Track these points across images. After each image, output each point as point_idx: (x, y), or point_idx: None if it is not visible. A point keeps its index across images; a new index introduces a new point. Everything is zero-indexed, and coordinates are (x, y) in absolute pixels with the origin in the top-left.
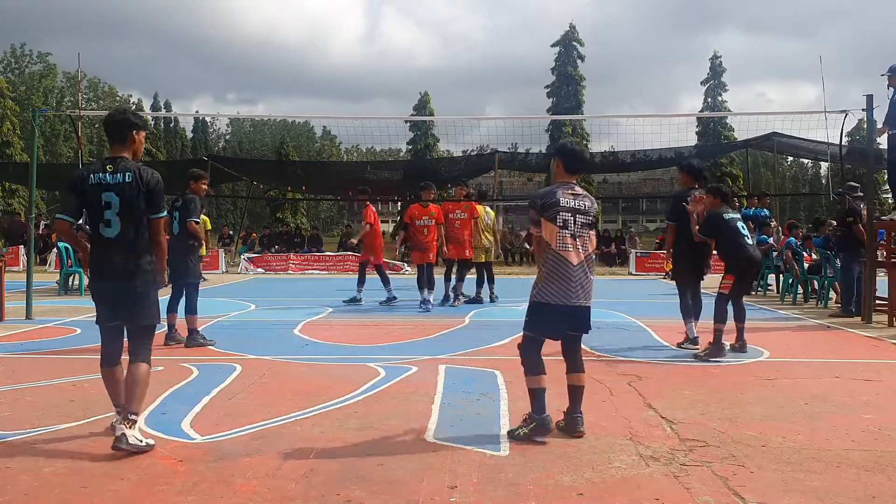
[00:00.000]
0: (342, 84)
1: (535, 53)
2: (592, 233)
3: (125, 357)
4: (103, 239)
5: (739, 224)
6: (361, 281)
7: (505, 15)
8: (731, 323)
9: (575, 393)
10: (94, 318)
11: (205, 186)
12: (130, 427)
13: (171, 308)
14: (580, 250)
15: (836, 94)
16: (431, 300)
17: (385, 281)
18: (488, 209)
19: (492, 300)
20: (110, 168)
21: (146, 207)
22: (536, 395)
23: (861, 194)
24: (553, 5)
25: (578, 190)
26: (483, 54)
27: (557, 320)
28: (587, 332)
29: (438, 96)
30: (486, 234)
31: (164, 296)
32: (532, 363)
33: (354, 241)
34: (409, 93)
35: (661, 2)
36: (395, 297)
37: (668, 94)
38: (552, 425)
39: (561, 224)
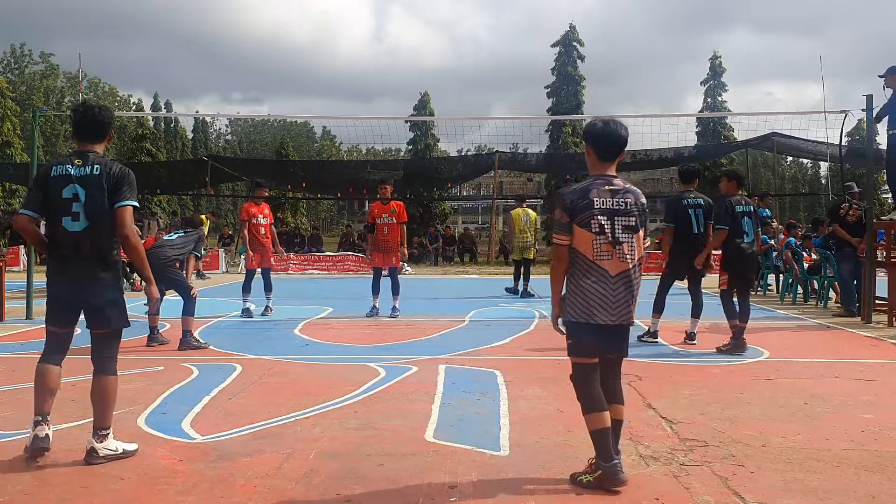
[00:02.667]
0: (348, 84)
1: (542, 53)
2: (640, 234)
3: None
4: (67, 233)
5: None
6: (268, 287)
7: (512, 14)
8: (724, 323)
9: (611, 427)
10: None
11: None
12: (101, 441)
13: (152, 311)
14: (622, 259)
15: (845, 93)
16: (398, 305)
17: (267, 287)
18: (529, 211)
19: (525, 294)
20: (78, 162)
21: (112, 201)
22: (599, 438)
23: (857, 190)
24: (562, 5)
25: (618, 183)
26: (491, 54)
27: (598, 339)
28: (625, 356)
29: (446, 96)
30: (526, 234)
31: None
32: (587, 398)
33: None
34: (415, 93)
35: (671, 1)
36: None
37: (676, 94)
38: (623, 474)
39: (597, 230)
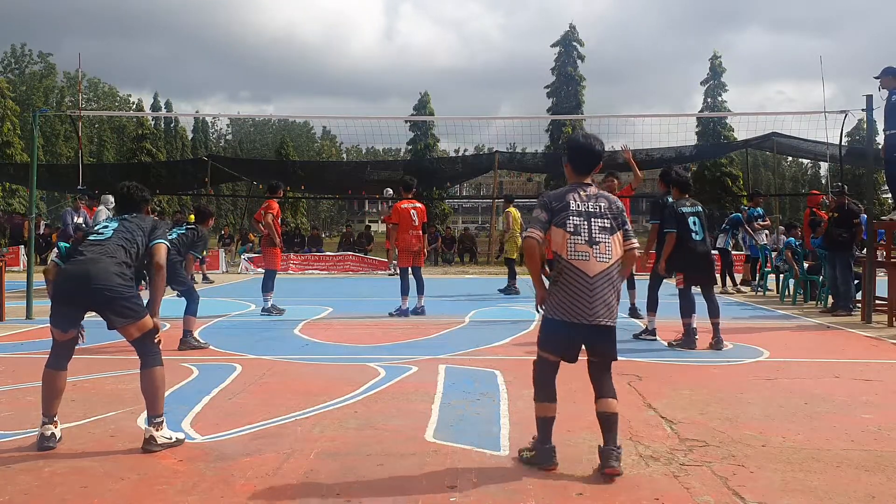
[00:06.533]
0: (358, 83)
1: (549, 53)
2: (618, 236)
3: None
4: (90, 241)
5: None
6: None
7: (523, 14)
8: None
9: (603, 422)
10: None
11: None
12: (158, 429)
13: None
14: (599, 259)
15: (854, 92)
16: (403, 307)
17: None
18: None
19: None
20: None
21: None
22: (542, 424)
23: (838, 190)
24: (572, 4)
25: (593, 190)
26: (501, 53)
27: (571, 340)
28: (613, 359)
29: (455, 96)
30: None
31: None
32: (540, 389)
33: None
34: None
35: (685, 1)
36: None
37: (685, 93)
38: (554, 459)
39: (571, 230)
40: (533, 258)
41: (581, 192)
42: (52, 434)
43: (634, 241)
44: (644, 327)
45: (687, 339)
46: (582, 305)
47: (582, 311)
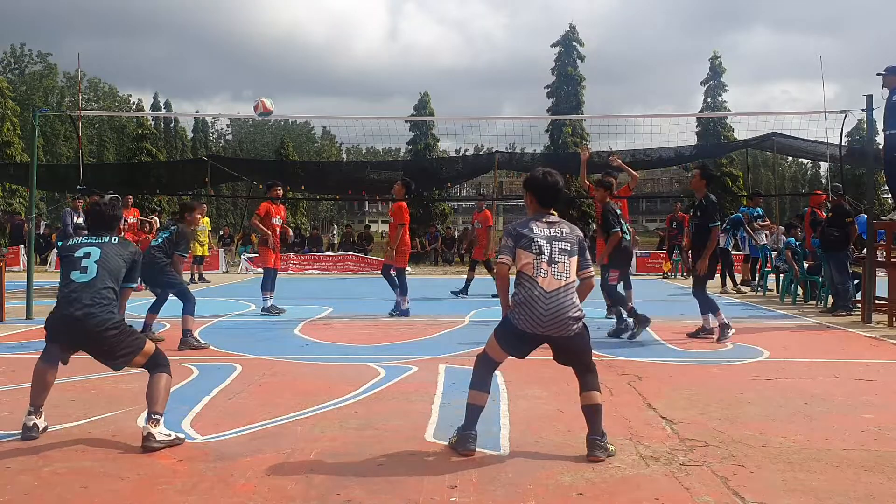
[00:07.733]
0: (362, 83)
1: (550, 53)
2: (575, 259)
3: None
4: (73, 283)
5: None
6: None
7: (525, 14)
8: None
9: (587, 413)
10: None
11: (199, 216)
12: (155, 425)
13: (153, 309)
14: (556, 277)
15: (858, 92)
16: (403, 306)
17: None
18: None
19: None
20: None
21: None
22: (470, 411)
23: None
24: (574, 5)
25: (553, 218)
26: (503, 53)
27: (522, 343)
28: (584, 362)
29: (457, 96)
30: None
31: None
32: (477, 378)
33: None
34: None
35: (686, 1)
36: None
37: (689, 93)
38: (473, 445)
39: (536, 251)
40: (504, 280)
41: (542, 220)
42: (35, 424)
43: (591, 270)
44: (701, 327)
45: (623, 326)
46: (536, 317)
47: (535, 322)
